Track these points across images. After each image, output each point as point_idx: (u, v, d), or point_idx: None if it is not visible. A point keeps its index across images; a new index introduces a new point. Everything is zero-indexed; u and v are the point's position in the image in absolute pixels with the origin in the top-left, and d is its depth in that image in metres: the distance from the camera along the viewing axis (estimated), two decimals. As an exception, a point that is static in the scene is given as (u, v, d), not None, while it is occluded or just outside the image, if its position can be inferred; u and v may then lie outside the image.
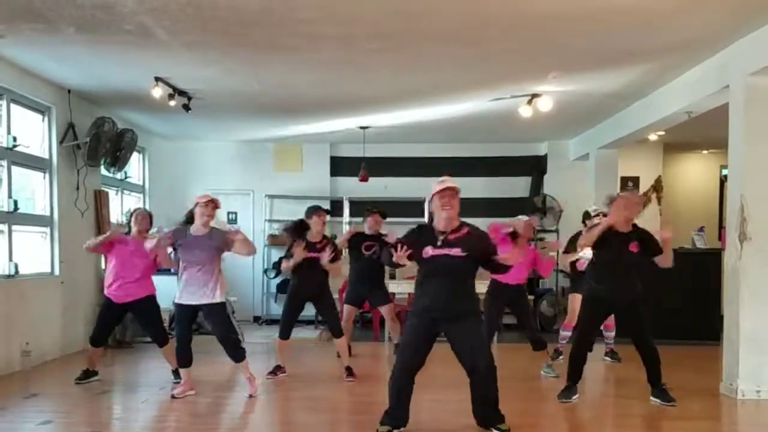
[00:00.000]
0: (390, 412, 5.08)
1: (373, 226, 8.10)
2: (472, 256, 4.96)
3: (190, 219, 6.30)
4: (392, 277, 10.02)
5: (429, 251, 4.95)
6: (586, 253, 6.72)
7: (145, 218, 7.00)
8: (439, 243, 4.95)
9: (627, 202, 6.06)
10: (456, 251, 4.92)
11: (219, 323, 6.36)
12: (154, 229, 6.82)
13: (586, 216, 7.83)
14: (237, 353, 6.43)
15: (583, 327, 6.29)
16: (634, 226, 6.08)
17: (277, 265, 12.31)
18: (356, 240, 7.99)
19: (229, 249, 6.33)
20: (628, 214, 6.03)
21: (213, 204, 6.28)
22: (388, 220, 8.41)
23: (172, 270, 7.34)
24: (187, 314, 6.35)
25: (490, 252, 5.08)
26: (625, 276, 6.03)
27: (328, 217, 7.35)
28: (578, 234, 7.57)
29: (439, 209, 4.99)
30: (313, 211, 7.17)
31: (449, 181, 5.02)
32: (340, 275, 7.26)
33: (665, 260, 6.06)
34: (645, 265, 6.14)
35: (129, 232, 6.96)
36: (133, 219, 6.97)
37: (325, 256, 6.95)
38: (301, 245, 6.96)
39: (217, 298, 6.27)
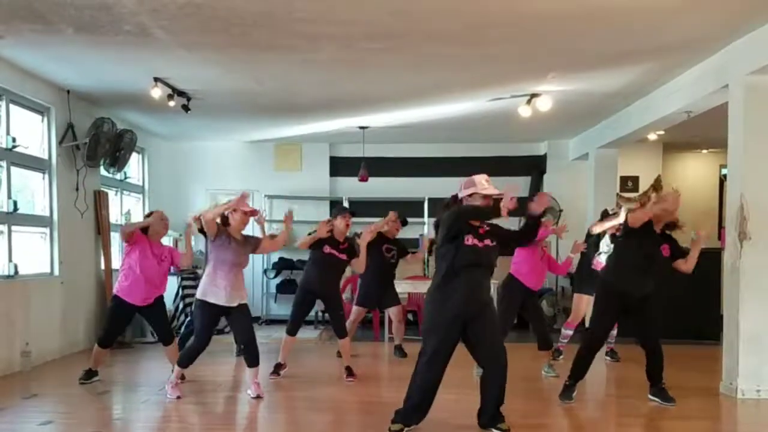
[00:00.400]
0: (409, 411, 5.08)
1: (391, 230, 8.29)
2: (497, 247, 5.09)
3: (224, 220, 6.29)
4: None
5: (470, 239, 4.97)
6: (621, 218, 6.78)
7: (166, 221, 7.04)
8: (477, 234, 5.00)
9: (676, 199, 5.97)
10: (487, 242, 5.01)
11: (248, 324, 6.39)
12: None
13: (605, 215, 7.85)
14: (257, 357, 6.41)
15: (600, 322, 6.24)
16: (662, 229, 6.08)
17: (276, 266, 12.34)
18: (376, 241, 8.01)
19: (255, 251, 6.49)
20: (674, 212, 6.00)
21: (252, 215, 6.38)
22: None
23: (172, 270, 7.35)
24: (215, 315, 6.31)
25: (505, 232, 5.19)
26: (647, 274, 6.05)
27: (352, 219, 7.44)
28: (606, 212, 7.68)
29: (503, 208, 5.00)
30: (339, 212, 7.40)
31: (493, 187, 5.13)
32: (362, 268, 7.33)
33: (690, 265, 6.10)
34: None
35: (145, 233, 6.92)
36: (154, 220, 6.95)
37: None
38: (327, 227, 7.06)
39: (244, 299, 6.35)
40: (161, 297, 7.07)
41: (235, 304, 6.24)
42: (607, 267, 6.53)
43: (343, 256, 7.23)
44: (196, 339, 6.32)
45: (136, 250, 6.80)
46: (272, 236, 7.23)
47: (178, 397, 6.25)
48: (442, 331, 4.98)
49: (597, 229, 7.71)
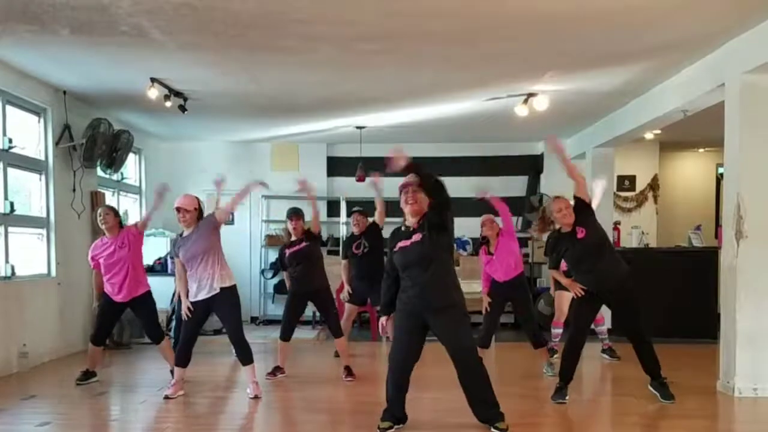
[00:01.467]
0: (389, 408, 5.15)
1: (354, 229, 8.20)
2: (432, 234, 4.95)
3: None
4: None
5: (397, 244, 5.07)
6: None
7: (109, 214, 6.98)
8: (405, 234, 5.07)
9: (565, 213, 6.07)
10: (416, 237, 4.99)
11: (228, 314, 6.35)
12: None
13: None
14: (248, 354, 6.42)
15: (576, 322, 6.28)
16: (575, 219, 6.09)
17: (273, 266, 12.33)
18: (346, 243, 8.03)
19: (218, 225, 6.34)
20: (561, 216, 6.08)
21: (183, 210, 6.29)
22: (386, 219, 8.40)
23: (169, 270, 7.36)
24: (197, 311, 6.31)
25: (434, 208, 5.03)
26: (594, 268, 6.03)
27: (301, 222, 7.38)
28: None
29: (404, 205, 5.12)
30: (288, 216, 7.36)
31: (410, 177, 5.11)
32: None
33: (580, 188, 6.17)
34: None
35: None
36: (99, 219, 6.96)
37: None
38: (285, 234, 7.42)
39: (226, 283, 6.29)
40: (147, 294, 7.02)
41: (211, 295, 6.23)
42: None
43: (304, 245, 7.22)
44: (183, 332, 6.42)
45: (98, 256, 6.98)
46: (269, 237, 7.30)
47: (167, 397, 6.26)
48: (398, 324, 5.15)
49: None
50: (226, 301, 6.30)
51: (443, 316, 5.00)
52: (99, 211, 7.03)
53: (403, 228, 5.16)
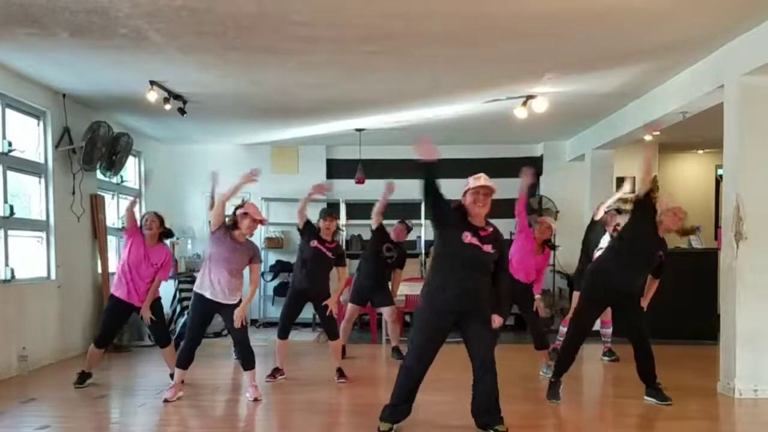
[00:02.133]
0: (393, 408, 5.11)
1: (399, 235, 8.40)
2: (496, 256, 5.06)
3: (233, 223, 6.29)
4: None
5: (468, 237, 4.97)
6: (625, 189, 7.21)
7: (155, 221, 6.98)
8: (477, 236, 5.00)
9: (677, 215, 6.15)
10: (488, 248, 4.99)
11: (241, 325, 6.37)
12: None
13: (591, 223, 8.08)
14: (250, 359, 6.42)
15: (581, 316, 6.28)
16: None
17: (273, 268, 12.34)
18: (378, 238, 8.00)
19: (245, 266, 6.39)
20: (673, 228, 6.19)
21: (261, 223, 6.36)
22: (384, 222, 8.43)
23: (170, 273, 7.35)
24: (206, 309, 6.31)
25: (502, 253, 5.19)
26: (639, 273, 6.10)
27: (336, 223, 7.41)
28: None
29: (472, 205, 5.03)
30: (322, 216, 7.36)
31: (484, 179, 5.08)
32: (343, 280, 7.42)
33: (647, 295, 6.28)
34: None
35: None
36: (144, 222, 6.97)
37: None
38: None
39: (237, 299, 6.32)
40: (158, 299, 7.06)
41: (227, 302, 6.24)
42: (599, 260, 6.55)
43: (330, 254, 7.21)
44: (188, 332, 6.37)
45: (130, 247, 6.86)
46: (269, 239, 7.31)
47: (166, 401, 6.24)
48: (429, 325, 5.06)
49: (601, 211, 7.87)
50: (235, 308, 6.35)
51: (479, 321, 5.02)
52: (146, 216, 7.02)
53: (469, 221, 5.06)
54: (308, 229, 7.26)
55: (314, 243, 7.19)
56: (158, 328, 7.08)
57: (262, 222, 6.34)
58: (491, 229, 5.10)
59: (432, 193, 5.00)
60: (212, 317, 6.54)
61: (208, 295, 6.21)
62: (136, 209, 7.33)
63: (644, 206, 6.12)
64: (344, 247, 8.13)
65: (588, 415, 6.13)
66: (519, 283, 7.19)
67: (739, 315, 6.38)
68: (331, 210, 7.42)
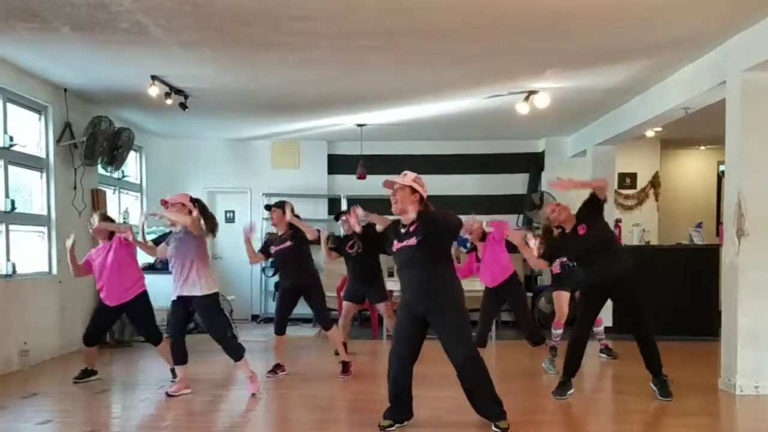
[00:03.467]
0: (390, 407, 5.14)
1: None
2: (427, 242, 4.96)
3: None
4: (390, 274, 10.02)
5: (395, 244, 5.09)
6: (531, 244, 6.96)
7: (95, 225, 6.99)
8: (400, 235, 5.08)
9: (557, 211, 6.23)
10: (411, 241, 4.98)
11: (210, 318, 6.41)
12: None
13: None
14: (235, 351, 6.42)
15: (581, 315, 6.30)
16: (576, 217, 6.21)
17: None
18: (339, 245, 7.97)
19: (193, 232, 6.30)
20: (557, 219, 6.23)
21: (164, 205, 6.39)
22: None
23: (169, 268, 7.34)
24: (178, 308, 6.39)
25: (444, 226, 5.07)
26: (597, 258, 6.09)
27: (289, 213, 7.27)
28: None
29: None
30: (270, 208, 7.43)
31: (399, 178, 5.09)
32: (313, 235, 7.24)
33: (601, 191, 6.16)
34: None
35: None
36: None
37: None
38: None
39: (204, 291, 6.29)
40: (140, 298, 6.99)
41: (189, 294, 6.27)
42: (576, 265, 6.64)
43: (286, 244, 7.20)
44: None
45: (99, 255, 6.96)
46: (270, 234, 7.35)
47: (168, 395, 6.28)
48: (398, 325, 5.20)
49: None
50: (206, 306, 6.39)
51: (441, 318, 5.00)
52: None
53: (400, 227, 5.14)
54: (263, 248, 7.42)
55: (272, 249, 7.30)
56: (144, 327, 7.08)
57: (164, 203, 6.38)
58: (416, 224, 5.02)
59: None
60: (188, 313, 6.64)
61: (175, 295, 6.33)
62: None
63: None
64: (344, 243, 7.96)
65: (588, 411, 6.13)
66: (495, 287, 7.28)
67: (741, 311, 6.37)
68: (278, 203, 7.38)
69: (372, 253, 7.81)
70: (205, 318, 6.48)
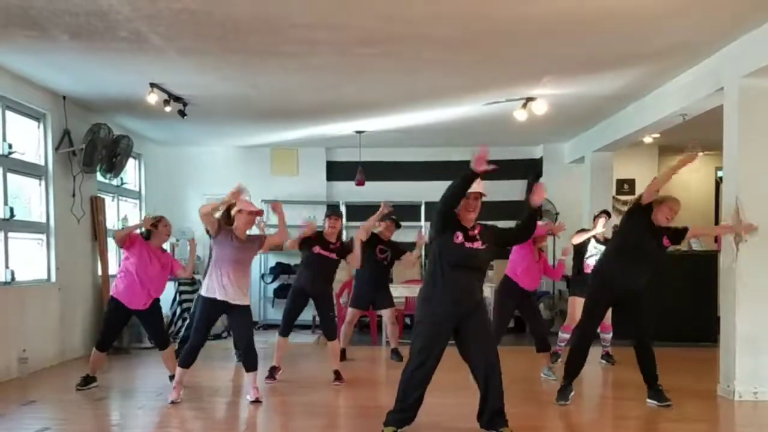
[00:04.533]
0: (397, 414, 5.08)
1: (385, 232, 8.31)
2: (490, 248, 5.05)
3: (228, 220, 6.28)
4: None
5: (460, 237, 4.95)
6: (598, 229, 7.46)
7: (170, 227, 7.05)
8: (467, 235, 4.98)
9: (673, 205, 6.09)
10: (478, 244, 4.98)
11: (247, 325, 6.44)
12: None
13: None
14: (255, 361, 6.43)
15: (588, 317, 6.29)
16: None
17: (274, 270, 12.34)
18: (371, 242, 8.00)
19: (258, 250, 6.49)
20: (667, 220, 6.09)
21: (258, 215, 6.42)
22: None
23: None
24: (216, 311, 6.33)
25: (501, 230, 5.20)
26: (642, 269, 6.08)
27: (338, 221, 7.43)
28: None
29: (464, 210, 4.99)
30: (326, 214, 7.48)
31: (478, 185, 5.00)
32: (357, 263, 7.35)
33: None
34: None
35: (148, 238, 6.95)
36: (161, 226, 6.97)
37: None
38: (312, 228, 7.26)
39: (247, 301, 6.34)
40: (157, 301, 7.06)
41: (237, 302, 6.23)
42: (602, 261, 6.55)
43: (333, 256, 7.25)
44: (195, 335, 6.34)
45: (134, 254, 6.83)
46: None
47: (173, 402, 6.23)
48: (429, 330, 5.00)
49: (576, 240, 7.91)
50: (246, 315, 6.42)
51: (478, 317, 5.03)
52: (164, 221, 7.04)
53: (464, 224, 5.03)
54: (309, 241, 7.24)
55: (317, 249, 7.22)
56: (157, 330, 7.09)
57: (258, 213, 6.37)
58: (479, 227, 5.08)
59: (461, 198, 4.93)
60: (217, 318, 6.57)
61: (219, 297, 6.18)
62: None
63: (644, 210, 6.10)
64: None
65: (588, 417, 6.13)
66: (522, 289, 7.26)
67: (739, 317, 6.38)
68: (335, 210, 7.42)
69: (391, 264, 7.97)
70: (243, 326, 6.41)
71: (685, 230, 6.24)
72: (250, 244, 6.34)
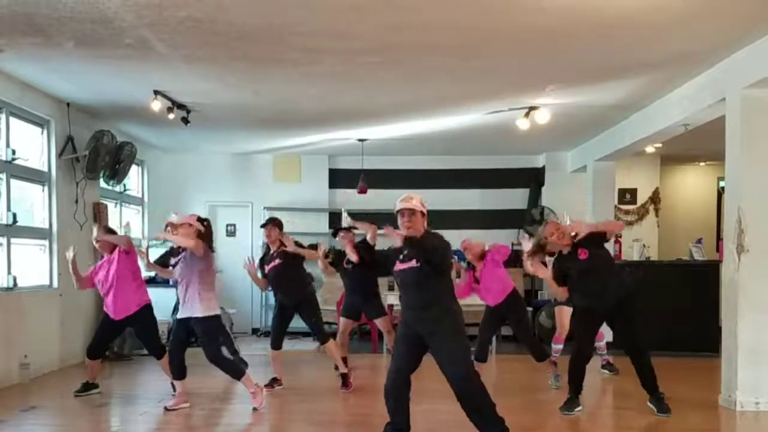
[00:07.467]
0: (389, 423, 5.07)
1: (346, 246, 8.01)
2: (426, 267, 4.92)
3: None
4: (390, 288, 10.03)
5: (397, 264, 5.04)
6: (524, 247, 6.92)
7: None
8: (401, 257, 5.02)
9: (558, 235, 6.20)
10: (412, 263, 4.95)
11: (203, 339, 6.40)
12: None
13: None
14: (233, 371, 6.47)
15: (579, 339, 6.35)
16: (573, 239, 6.22)
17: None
18: (337, 259, 7.96)
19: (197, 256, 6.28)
20: (562, 243, 6.20)
21: (171, 227, 6.36)
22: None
23: (171, 281, 7.36)
24: (180, 326, 6.43)
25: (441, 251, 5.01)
26: (596, 284, 6.09)
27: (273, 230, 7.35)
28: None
29: (401, 226, 5.00)
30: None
31: (408, 201, 5.00)
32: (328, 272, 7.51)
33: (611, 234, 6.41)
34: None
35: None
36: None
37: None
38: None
39: (204, 313, 6.27)
40: (145, 311, 6.95)
41: (194, 316, 6.27)
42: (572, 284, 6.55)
43: (276, 262, 7.22)
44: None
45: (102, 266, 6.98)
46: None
47: (166, 408, 6.27)
48: (401, 330, 5.15)
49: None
50: (203, 331, 6.38)
51: (437, 342, 4.92)
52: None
53: (398, 251, 5.07)
54: (260, 268, 7.38)
55: (266, 268, 7.31)
56: (148, 340, 7.07)
57: (171, 226, 6.36)
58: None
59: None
60: (189, 332, 6.56)
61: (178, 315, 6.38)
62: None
63: (552, 255, 6.34)
64: (343, 257, 7.93)
65: (589, 427, 6.12)
66: (496, 306, 7.21)
67: (741, 327, 6.37)
68: (273, 219, 7.45)
69: (367, 267, 7.81)
70: (202, 340, 6.42)
71: (588, 234, 6.22)
72: (190, 259, 6.29)
